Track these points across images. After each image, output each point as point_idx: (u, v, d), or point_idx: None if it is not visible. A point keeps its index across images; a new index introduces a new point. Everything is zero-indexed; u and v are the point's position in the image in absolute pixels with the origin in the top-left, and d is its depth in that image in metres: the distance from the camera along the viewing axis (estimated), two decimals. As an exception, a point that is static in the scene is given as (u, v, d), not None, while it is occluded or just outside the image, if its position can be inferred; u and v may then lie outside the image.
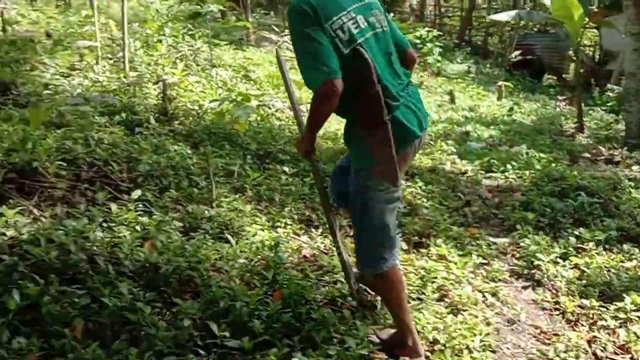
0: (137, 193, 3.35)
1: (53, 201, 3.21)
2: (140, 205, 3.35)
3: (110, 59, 7.04)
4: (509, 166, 5.71)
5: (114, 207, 3.21)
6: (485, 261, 3.82)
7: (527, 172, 5.53)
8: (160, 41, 7.88)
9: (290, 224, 3.83)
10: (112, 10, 11.57)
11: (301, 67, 2.25)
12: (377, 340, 2.71)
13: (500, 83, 11.50)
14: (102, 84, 5.83)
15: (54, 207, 3.14)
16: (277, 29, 12.48)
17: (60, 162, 3.47)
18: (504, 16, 12.15)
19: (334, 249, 2.99)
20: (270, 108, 6.57)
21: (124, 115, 4.90)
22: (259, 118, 6.12)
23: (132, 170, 3.94)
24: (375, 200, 2.43)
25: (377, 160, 2.34)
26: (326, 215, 2.81)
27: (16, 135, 3.47)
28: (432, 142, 6.63)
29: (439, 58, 12.62)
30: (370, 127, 2.31)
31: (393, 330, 2.77)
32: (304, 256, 3.47)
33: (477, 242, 4.04)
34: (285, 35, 10.63)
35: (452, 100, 10.04)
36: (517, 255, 4.04)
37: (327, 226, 2.96)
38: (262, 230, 3.60)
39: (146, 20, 8.87)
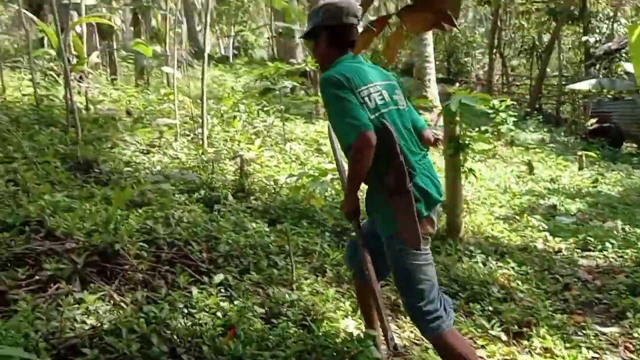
0: (219, 277, 3.20)
1: (133, 285, 3.11)
2: (221, 290, 3.19)
3: (188, 135, 7.19)
4: (607, 244, 5.25)
5: (194, 291, 3.08)
6: (596, 355, 3.39)
7: (628, 251, 5.06)
8: (235, 117, 8.04)
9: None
10: (187, 89, 12.05)
11: (336, 127, 2.44)
12: None
13: (580, 152, 11.00)
14: (180, 160, 5.90)
15: (134, 292, 3.03)
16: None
17: (141, 243, 3.40)
18: (584, 85, 11.79)
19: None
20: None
21: (202, 192, 4.87)
22: (334, 192, 5.98)
23: (211, 250, 3.84)
24: (415, 262, 2.47)
25: (401, 226, 2.42)
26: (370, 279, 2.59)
27: (99, 216, 3.44)
28: (517, 217, 6.25)
29: (513, 127, 12.29)
30: (396, 195, 2.41)
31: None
32: (395, 347, 3.17)
33: (584, 331, 3.63)
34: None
35: (531, 171, 9.63)
36: (631, 347, 3.58)
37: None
38: (346, 316, 3.36)
39: (221, 98, 9.14)
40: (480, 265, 4.52)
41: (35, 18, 8.48)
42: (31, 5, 12.46)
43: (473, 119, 11.80)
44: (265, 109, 8.19)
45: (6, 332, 2.19)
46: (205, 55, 6.18)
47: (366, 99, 2.43)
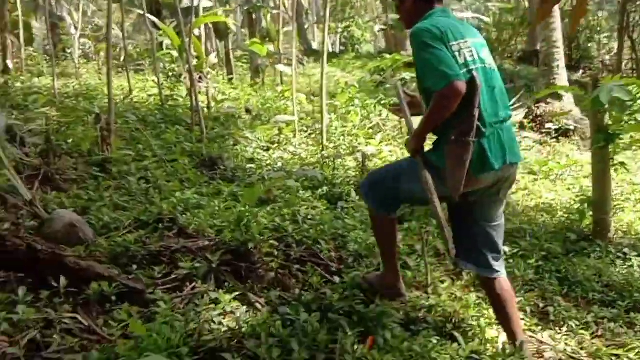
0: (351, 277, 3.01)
1: (266, 284, 3.01)
2: (355, 292, 3.00)
3: (306, 131, 7.12)
4: None
5: (328, 292, 2.91)
6: None
7: None
8: (349, 112, 7.87)
9: (523, 318, 3.22)
10: (298, 85, 12.06)
11: (425, 75, 2.41)
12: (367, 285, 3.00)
13: None
14: (300, 156, 5.82)
15: (267, 292, 2.92)
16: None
17: (272, 241, 3.30)
18: None
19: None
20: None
21: (325, 188, 4.73)
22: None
23: (340, 249, 3.67)
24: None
25: (449, 169, 2.45)
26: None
27: (229, 214, 3.37)
28: None
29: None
30: (455, 142, 2.40)
31: (379, 273, 3.11)
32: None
33: None
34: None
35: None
36: None
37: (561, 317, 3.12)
38: (490, 325, 3.04)
39: (335, 94, 9.00)
40: (637, 269, 4.00)
41: (158, 21, 8.82)
42: (152, 11, 13.10)
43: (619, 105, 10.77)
44: (382, 102, 7.95)
45: (149, 336, 2.13)
46: (325, 52, 6.04)
47: (456, 53, 2.44)
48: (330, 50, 28.92)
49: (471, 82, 2.37)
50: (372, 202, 2.89)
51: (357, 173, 5.22)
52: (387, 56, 7.66)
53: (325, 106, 6.28)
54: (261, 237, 3.21)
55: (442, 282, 3.48)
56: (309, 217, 3.95)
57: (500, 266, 2.76)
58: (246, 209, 3.33)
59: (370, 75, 13.72)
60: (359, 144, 6.37)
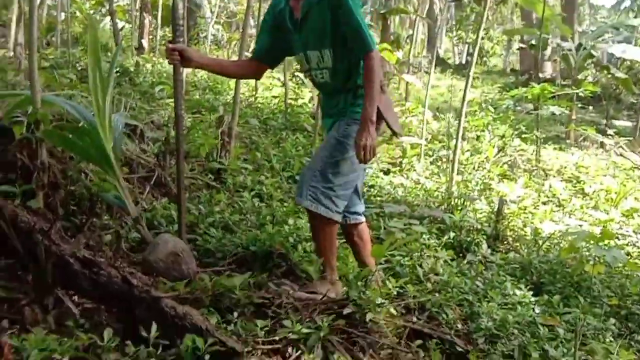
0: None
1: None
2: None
3: (431, 155, 6.54)
4: None
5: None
6: None
7: None
8: (478, 138, 7.16)
9: None
10: (421, 94, 11.42)
11: (362, 28, 2.68)
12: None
13: None
14: (424, 187, 5.26)
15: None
16: (604, 128, 10.84)
17: (392, 308, 2.80)
18: None
19: None
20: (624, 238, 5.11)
21: (452, 235, 4.16)
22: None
23: (467, 320, 3.11)
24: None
25: (386, 117, 2.89)
26: None
27: (348, 265, 2.91)
28: None
29: None
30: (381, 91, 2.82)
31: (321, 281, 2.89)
32: None
33: None
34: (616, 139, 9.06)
35: None
36: None
37: None
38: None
39: (467, 115, 8.32)
40: None
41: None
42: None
43: None
44: (523, 135, 7.15)
45: None
46: (472, 65, 5.41)
47: None
48: (457, 60, 27.87)
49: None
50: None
51: (490, 220, 4.58)
52: (534, 84, 6.86)
53: (453, 131, 5.63)
54: (381, 303, 2.73)
55: None
56: (433, 273, 3.42)
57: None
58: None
59: (500, 94, 12.81)
60: (490, 183, 5.69)
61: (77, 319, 2.29)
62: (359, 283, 2.75)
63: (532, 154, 7.06)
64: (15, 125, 2.77)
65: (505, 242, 4.52)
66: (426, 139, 7.09)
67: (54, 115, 3.91)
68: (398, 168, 5.96)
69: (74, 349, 1.99)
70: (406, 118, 7.85)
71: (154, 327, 2.15)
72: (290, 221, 3.65)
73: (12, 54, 7.07)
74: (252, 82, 8.15)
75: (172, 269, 2.65)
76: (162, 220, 3.38)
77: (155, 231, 3.25)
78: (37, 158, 2.65)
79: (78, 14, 12.75)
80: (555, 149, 8.78)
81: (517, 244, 4.45)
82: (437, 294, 3.12)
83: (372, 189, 5.01)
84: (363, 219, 3.13)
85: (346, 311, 2.62)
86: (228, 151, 4.57)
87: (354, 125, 2.74)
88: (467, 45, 25.51)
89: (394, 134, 3.00)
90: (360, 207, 3.12)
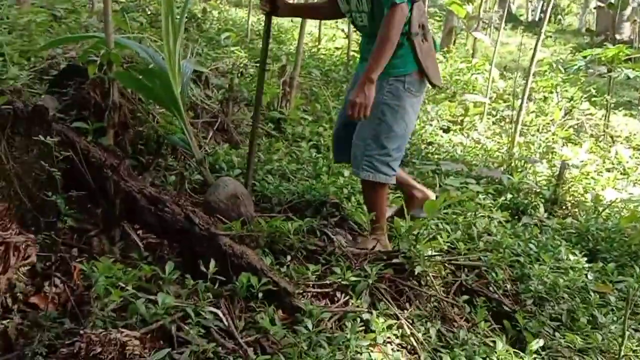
0: (536, 343, 2.45)
1: (427, 313, 2.59)
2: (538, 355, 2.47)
3: (494, 115, 6.39)
4: None
5: (499, 345, 2.41)
6: None
7: None
8: (545, 99, 6.92)
9: None
10: (489, 52, 11.05)
11: None
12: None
13: None
14: (484, 147, 5.18)
15: (426, 322, 2.51)
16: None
17: (440, 262, 2.84)
18: None
19: None
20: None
21: (509, 196, 4.11)
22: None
23: (516, 281, 3.12)
24: (411, 106, 2.82)
25: (425, 66, 2.73)
26: None
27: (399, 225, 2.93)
28: None
29: None
30: (418, 37, 2.71)
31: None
32: None
33: None
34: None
35: None
36: None
37: None
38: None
39: (536, 76, 8.03)
40: None
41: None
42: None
43: None
44: (593, 99, 6.86)
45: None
46: (545, 22, 5.16)
47: None
48: (529, 18, 26.61)
49: None
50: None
51: (549, 184, 4.49)
52: (609, 46, 6.52)
53: (527, 91, 5.46)
54: (429, 257, 2.77)
55: None
56: (487, 233, 3.42)
57: None
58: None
59: (572, 55, 12.22)
60: (553, 147, 5.53)
61: (141, 251, 2.45)
62: (410, 236, 2.80)
63: (600, 119, 6.77)
64: (89, 65, 2.91)
65: (564, 207, 4.43)
66: (490, 98, 6.91)
67: (125, 58, 4.07)
68: (459, 126, 5.87)
69: (138, 279, 2.14)
70: (472, 75, 7.66)
71: (212, 263, 2.28)
72: (346, 173, 3.71)
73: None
74: (315, 32, 8.12)
75: (231, 210, 2.77)
76: (223, 165, 3.49)
77: (217, 175, 3.37)
78: (109, 97, 2.78)
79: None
80: (625, 115, 8.39)
81: (576, 210, 4.36)
82: (488, 254, 3.13)
83: (430, 147, 4.98)
84: None
85: (395, 262, 2.68)
86: (289, 101, 4.62)
87: (396, 83, 2.69)
88: (541, 2, 24.28)
89: (432, 85, 2.85)
90: None
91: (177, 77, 2.88)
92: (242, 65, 5.57)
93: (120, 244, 2.49)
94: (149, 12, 6.44)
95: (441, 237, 2.80)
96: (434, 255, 2.78)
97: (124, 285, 2.04)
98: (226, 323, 2.12)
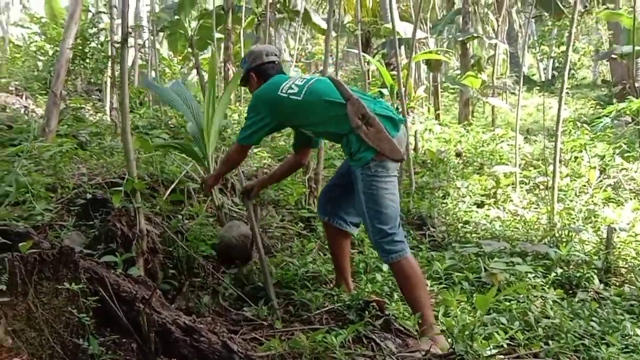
0: None
1: None
2: None
3: (527, 183, 6.23)
4: None
5: None
6: None
7: None
8: (575, 159, 6.73)
9: None
10: (511, 120, 10.97)
11: (246, 121, 3.23)
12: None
13: None
14: (523, 219, 4.99)
15: None
16: None
17: (502, 360, 2.61)
18: None
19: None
20: None
21: (559, 271, 3.88)
22: None
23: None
24: (385, 186, 2.89)
25: (379, 148, 2.85)
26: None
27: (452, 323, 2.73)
28: None
29: None
30: (363, 126, 2.88)
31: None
32: None
33: None
34: None
35: None
36: None
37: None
38: None
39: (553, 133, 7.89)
40: None
41: (369, 57, 8.62)
42: (361, 40, 13.11)
43: None
44: (626, 154, 6.65)
45: None
46: (565, 81, 5.06)
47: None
48: (542, 77, 26.81)
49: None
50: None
51: (599, 251, 4.25)
52: (632, 98, 6.40)
53: (558, 155, 5.32)
54: (489, 356, 2.55)
55: None
56: (544, 316, 3.18)
57: None
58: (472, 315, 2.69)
59: (594, 109, 12.07)
60: (595, 205, 5.30)
61: (181, 385, 2.30)
62: (465, 335, 2.59)
63: (636, 172, 6.53)
64: (114, 195, 2.89)
65: (619, 275, 4.16)
66: (520, 165, 6.77)
67: (149, 175, 4.10)
68: (492, 200, 5.70)
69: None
70: (496, 145, 7.57)
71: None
72: (384, 267, 3.56)
73: (108, 117, 7.52)
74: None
75: (241, 247, 3.45)
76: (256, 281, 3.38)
77: (251, 285, 3.26)
78: (135, 226, 2.74)
79: (167, 70, 13.47)
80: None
81: (632, 275, 4.08)
82: (550, 342, 2.89)
83: (467, 226, 4.81)
84: (354, 230, 3.36)
85: (453, 367, 2.47)
86: (316, 197, 4.55)
87: (365, 171, 2.85)
88: (552, 60, 24.55)
89: (395, 161, 2.87)
90: (355, 219, 3.29)
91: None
92: (265, 166, 5.58)
93: (158, 379, 2.35)
94: (171, 126, 6.59)
95: (498, 334, 2.59)
96: (494, 355, 2.56)
97: None
98: None
